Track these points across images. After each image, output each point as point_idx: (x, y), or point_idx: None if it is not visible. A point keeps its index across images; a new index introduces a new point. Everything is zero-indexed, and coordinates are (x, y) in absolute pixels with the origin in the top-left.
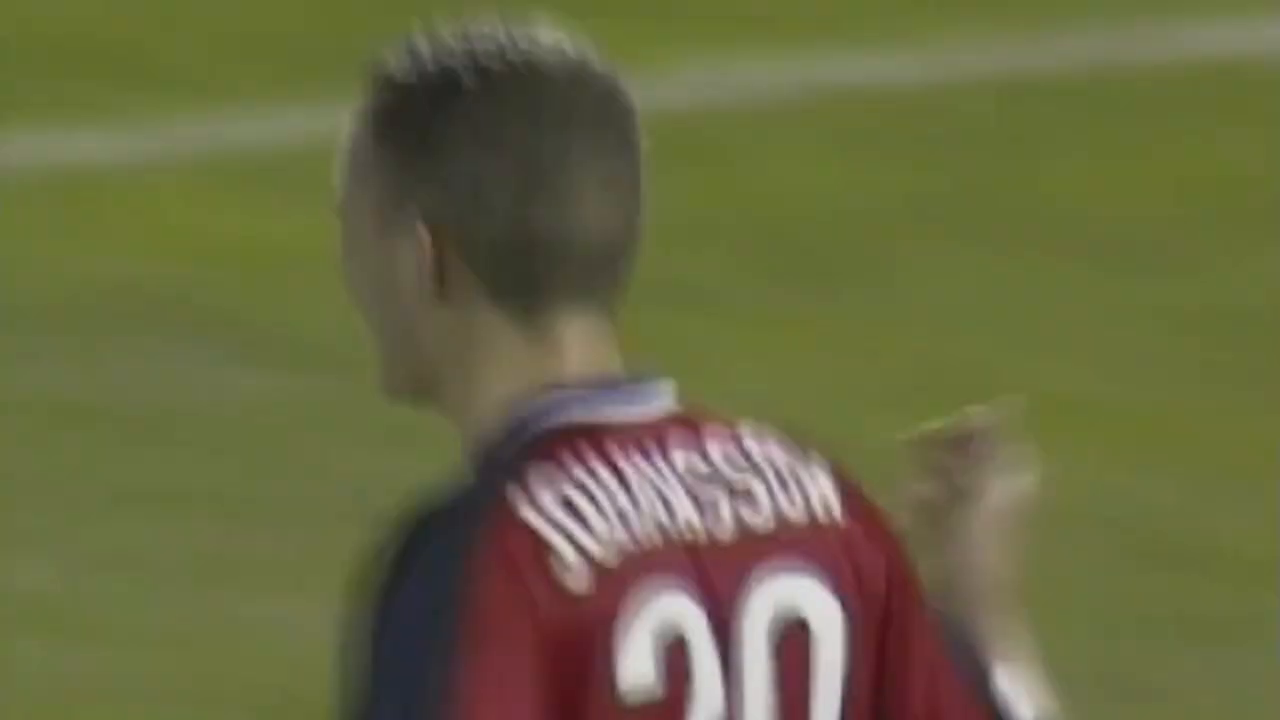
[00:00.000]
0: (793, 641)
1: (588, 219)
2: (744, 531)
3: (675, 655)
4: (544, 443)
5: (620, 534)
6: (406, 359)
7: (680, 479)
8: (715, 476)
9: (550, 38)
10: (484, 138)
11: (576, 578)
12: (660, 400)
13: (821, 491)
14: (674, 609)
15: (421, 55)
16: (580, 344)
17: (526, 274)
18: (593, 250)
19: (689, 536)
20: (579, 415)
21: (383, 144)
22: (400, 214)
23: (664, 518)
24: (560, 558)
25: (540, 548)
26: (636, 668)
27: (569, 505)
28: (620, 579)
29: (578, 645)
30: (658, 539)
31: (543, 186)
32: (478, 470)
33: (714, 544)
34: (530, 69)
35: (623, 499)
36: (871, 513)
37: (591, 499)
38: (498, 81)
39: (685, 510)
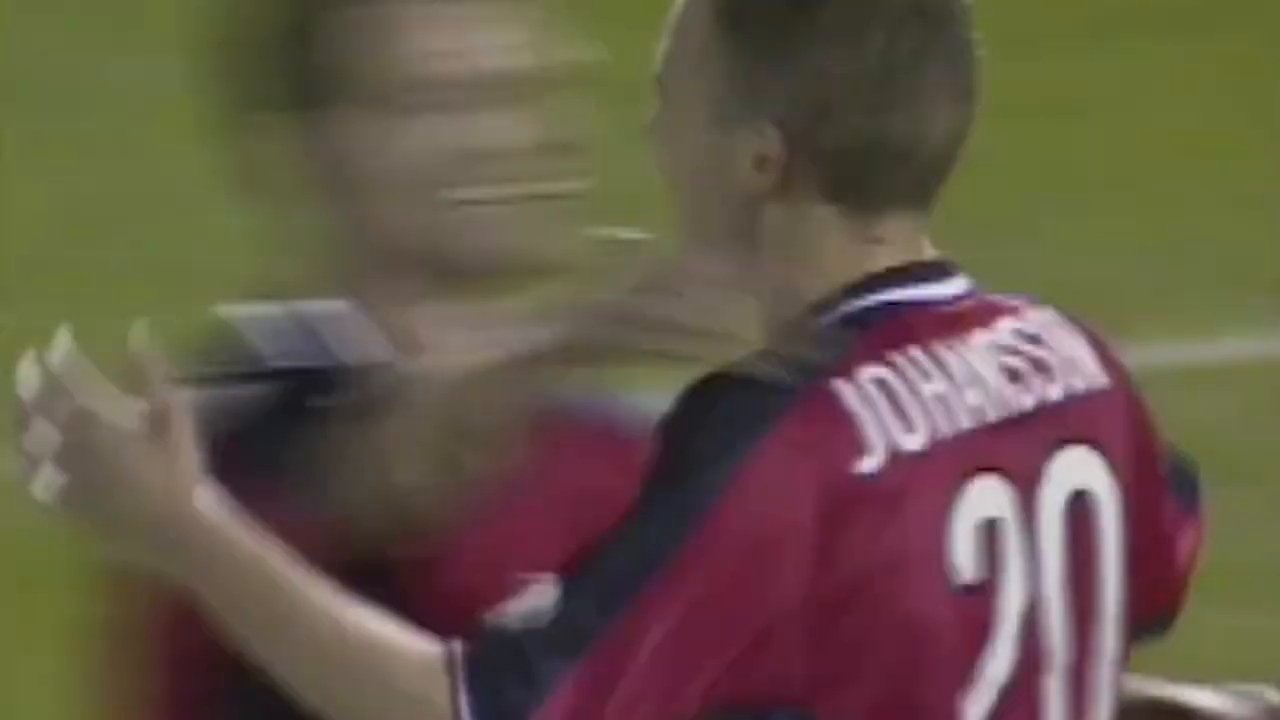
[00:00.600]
0: (1080, 511)
1: (936, 125)
2: (1042, 403)
3: (989, 538)
4: (860, 321)
5: (931, 419)
6: (718, 234)
7: (987, 355)
8: (1014, 350)
9: None
10: (842, 38)
11: (872, 458)
12: (958, 279)
13: (1088, 359)
14: (985, 492)
15: None
16: (903, 242)
17: (871, 176)
18: (935, 155)
19: (998, 413)
20: (892, 296)
21: (731, 34)
22: (744, 107)
23: (976, 398)
24: (859, 435)
25: (841, 421)
26: (955, 553)
27: (882, 384)
28: (926, 463)
29: (870, 525)
30: (969, 421)
31: (898, 90)
32: (789, 341)
33: (1021, 417)
34: None
35: (937, 382)
36: (1118, 366)
37: (906, 381)
38: None
39: (997, 385)
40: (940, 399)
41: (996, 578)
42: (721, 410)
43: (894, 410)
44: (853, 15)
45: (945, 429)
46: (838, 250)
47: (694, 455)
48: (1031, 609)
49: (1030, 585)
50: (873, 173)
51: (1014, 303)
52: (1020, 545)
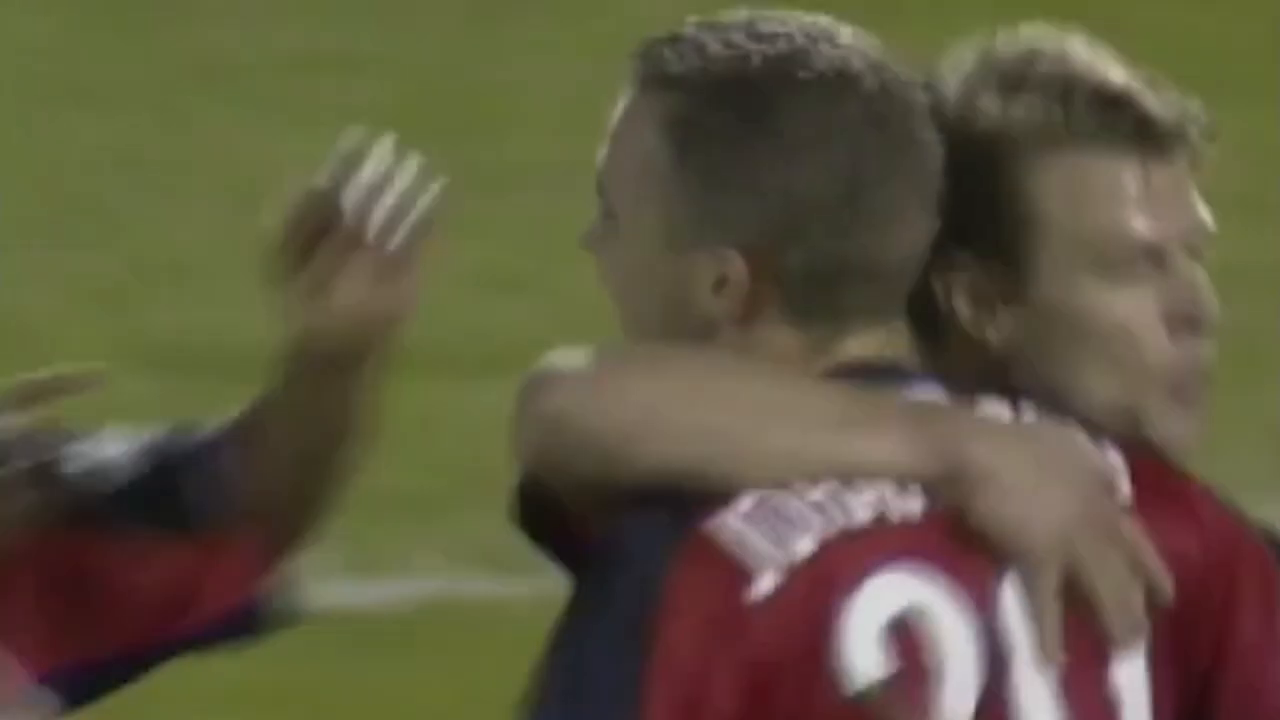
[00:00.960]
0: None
1: (901, 239)
2: None
3: (906, 633)
4: None
5: (823, 520)
6: None
7: None
8: None
9: (850, 39)
10: (805, 155)
11: (765, 578)
12: (924, 385)
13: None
14: (897, 585)
15: (720, 57)
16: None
17: (836, 297)
18: (900, 269)
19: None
20: None
21: (684, 153)
22: (701, 229)
23: (892, 488)
24: (746, 556)
25: (725, 556)
26: (861, 655)
27: (763, 503)
28: (822, 563)
29: (782, 646)
30: (868, 514)
31: (866, 209)
32: None
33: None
34: (841, 76)
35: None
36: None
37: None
38: (811, 90)
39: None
40: (834, 495)
41: (920, 673)
42: (612, 566)
43: (780, 518)
44: (814, 130)
45: (841, 523)
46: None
47: (606, 614)
48: (991, 694)
49: (984, 668)
50: (838, 293)
51: (1004, 405)
52: (959, 636)
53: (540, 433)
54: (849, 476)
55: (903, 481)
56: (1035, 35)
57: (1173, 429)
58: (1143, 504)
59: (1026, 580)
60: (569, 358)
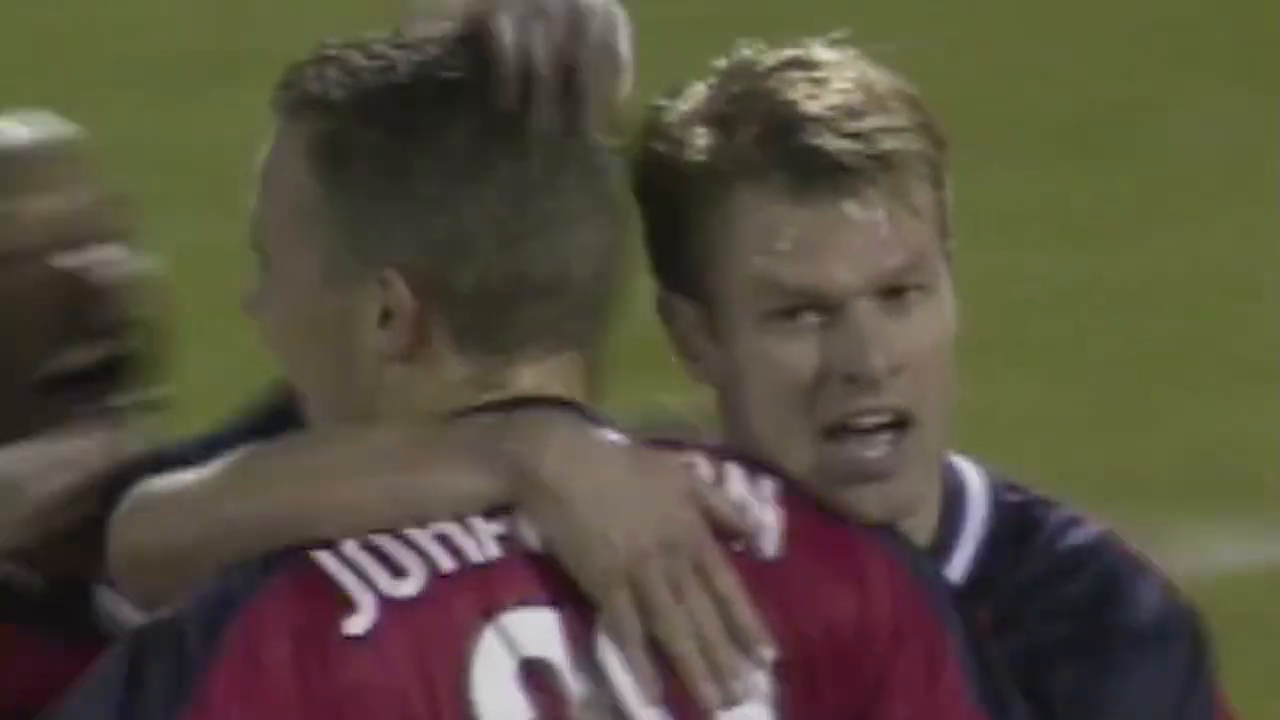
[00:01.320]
0: None
1: (581, 250)
2: None
3: (540, 675)
4: None
5: (427, 559)
6: (341, 407)
7: None
8: None
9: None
10: (464, 166)
11: (360, 616)
12: (584, 420)
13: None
14: (527, 626)
15: (364, 69)
16: (534, 386)
17: (510, 318)
18: (584, 285)
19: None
20: None
21: (334, 177)
22: (361, 258)
23: (507, 528)
24: (341, 595)
25: (319, 587)
26: (496, 700)
27: (369, 546)
28: (429, 605)
29: (371, 680)
30: (492, 552)
31: (532, 216)
32: None
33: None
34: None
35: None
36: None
37: (399, 536)
38: (468, 104)
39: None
40: (443, 537)
41: (558, 714)
42: (194, 600)
43: (379, 560)
44: (473, 137)
45: (448, 566)
46: (465, 404)
47: (165, 647)
48: None
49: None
50: (514, 314)
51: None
52: (586, 677)
53: (129, 569)
54: (427, 512)
55: (481, 507)
56: (777, 56)
57: (852, 492)
58: (799, 560)
59: (605, 616)
60: (150, 485)
